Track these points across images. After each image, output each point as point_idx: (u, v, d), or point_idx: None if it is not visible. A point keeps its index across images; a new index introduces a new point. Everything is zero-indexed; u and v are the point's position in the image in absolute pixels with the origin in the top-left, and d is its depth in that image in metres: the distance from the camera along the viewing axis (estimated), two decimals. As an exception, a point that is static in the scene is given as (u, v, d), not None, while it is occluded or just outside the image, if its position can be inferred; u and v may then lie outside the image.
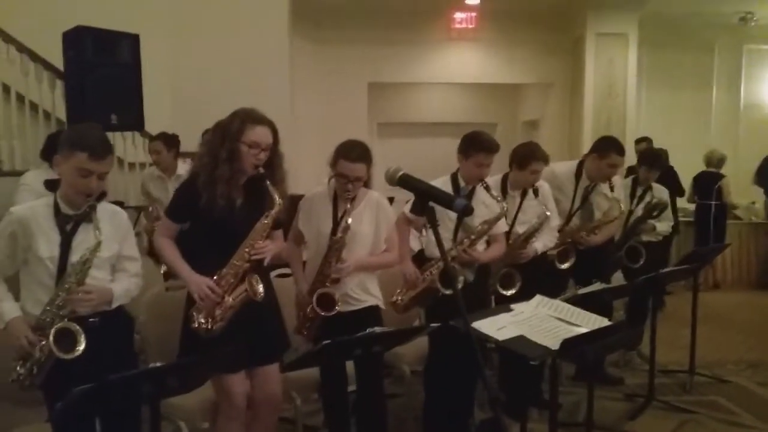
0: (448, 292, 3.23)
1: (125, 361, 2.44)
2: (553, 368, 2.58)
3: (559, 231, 4.15)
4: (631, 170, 6.57)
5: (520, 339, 2.36)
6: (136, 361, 2.70)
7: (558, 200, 4.20)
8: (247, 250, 2.66)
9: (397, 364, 3.70)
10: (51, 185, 2.43)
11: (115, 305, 2.48)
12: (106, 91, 5.16)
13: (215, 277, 2.67)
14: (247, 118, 2.71)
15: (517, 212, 3.87)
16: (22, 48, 5.55)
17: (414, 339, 2.91)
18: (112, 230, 2.47)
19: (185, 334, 2.75)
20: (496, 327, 2.41)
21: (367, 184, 3.15)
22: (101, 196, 2.43)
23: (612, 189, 4.19)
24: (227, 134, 2.69)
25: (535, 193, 3.82)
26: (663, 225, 4.89)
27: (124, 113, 5.30)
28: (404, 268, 3.41)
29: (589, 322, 2.55)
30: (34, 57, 5.60)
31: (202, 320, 2.66)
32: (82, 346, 2.27)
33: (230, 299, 2.65)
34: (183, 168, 5.08)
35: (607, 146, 4.18)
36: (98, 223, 2.33)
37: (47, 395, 2.36)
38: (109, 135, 5.58)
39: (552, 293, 3.20)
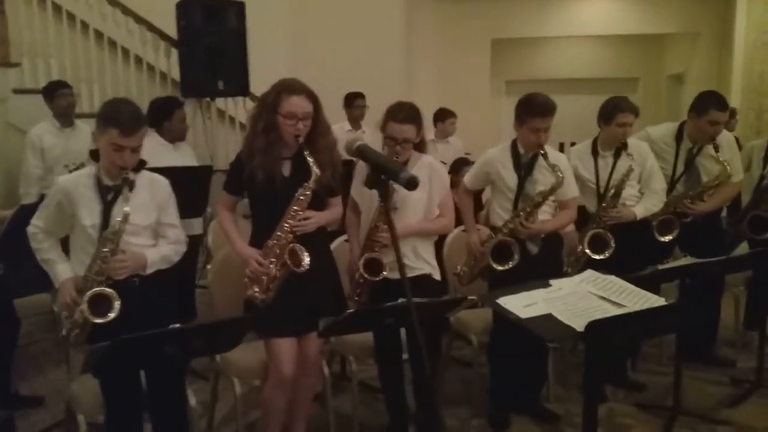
0: (500, 268, 3.06)
1: (165, 321, 2.56)
2: (585, 350, 2.36)
3: None
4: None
5: (547, 318, 2.15)
6: (176, 320, 2.81)
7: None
8: (289, 221, 2.67)
9: (465, 333, 3.60)
10: (95, 155, 2.55)
11: (150, 270, 2.59)
12: (214, 58, 5.41)
13: (262, 249, 2.72)
14: (283, 88, 2.69)
15: (611, 173, 3.57)
16: (139, 20, 5.91)
17: (456, 311, 2.78)
18: (149, 199, 2.57)
19: (245, 302, 2.83)
20: (524, 303, 2.23)
21: (421, 148, 3.04)
22: (140, 165, 2.54)
23: (716, 149, 3.72)
24: (264, 106, 2.71)
25: (624, 147, 3.49)
26: None
27: (231, 79, 5.53)
28: (468, 238, 3.26)
29: (638, 302, 2.29)
30: (151, 27, 5.96)
31: (255, 290, 2.74)
32: (114, 313, 2.40)
33: (275, 270, 2.69)
34: None
35: (705, 102, 3.73)
36: (128, 196, 2.43)
37: (92, 350, 2.53)
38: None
39: (651, 264, 2.99)
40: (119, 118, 2.40)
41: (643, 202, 3.60)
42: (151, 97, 6.04)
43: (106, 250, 2.42)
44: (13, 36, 5.55)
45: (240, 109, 6.17)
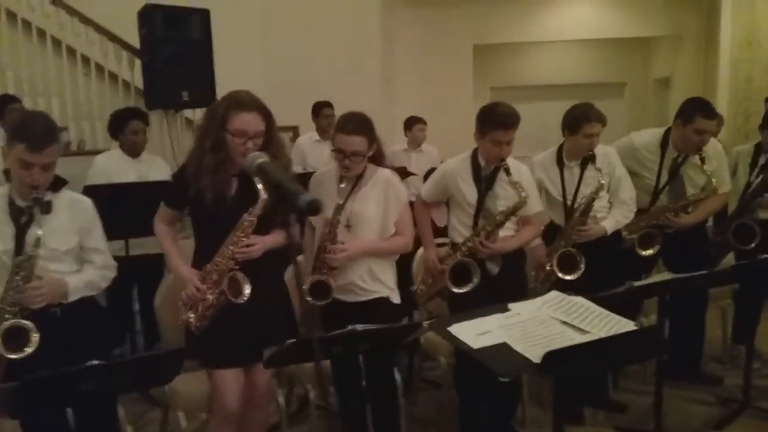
0: (459, 291, 2.86)
1: (91, 353, 2.34)
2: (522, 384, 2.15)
3: (643, 211, 3.59)
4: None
5: (501, 348, 1.94)
6: (105, 352, 2.59)
7: (640, 176, 3.62)
8: (231, 248, 2.44)
9: (434, 354, 3.39)
10: (8, 174, 2.33)
11: (73, 298, 2.38)
12: (178, 68, 5.17)
13: (201, 273, 2.51)
14: (232, 103, 2.45)
15: (578, 185, 3.37)
16: (100, 29, 5.68)
17: (413, 337, 2.57)
18: (69, 221, 2.36)
19: (185, 329, 2.61)
20: (478, 331, 2.01)
21: (378, 161, 2.83)
22: (60, 185, 2.33)
23: (703, 161, 3.50)
24: (213, 120, 2.48)
25: (592, 159, 3.28)
26: None
27: (196, 90, 5.29)
28: (425, 255, 3.06)
29: (605, 327, 2.08)
30: (113, 37, 5.72)
31: (190, 315, 2.53)
32: (32, 347, 2.20)
33: (211, 298, 2.47)
34: None
35: (691, 109, 3.49)
36: (42, 218, 2.22)
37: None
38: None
39: (628, 280, 2.75)
40: (28, 132, 2.19)
41: (613, 214, 3.41)
42: (115, 109, 5.85)
43: (19, 278, 2.21)
44: (-37, 46, 5.34)
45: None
